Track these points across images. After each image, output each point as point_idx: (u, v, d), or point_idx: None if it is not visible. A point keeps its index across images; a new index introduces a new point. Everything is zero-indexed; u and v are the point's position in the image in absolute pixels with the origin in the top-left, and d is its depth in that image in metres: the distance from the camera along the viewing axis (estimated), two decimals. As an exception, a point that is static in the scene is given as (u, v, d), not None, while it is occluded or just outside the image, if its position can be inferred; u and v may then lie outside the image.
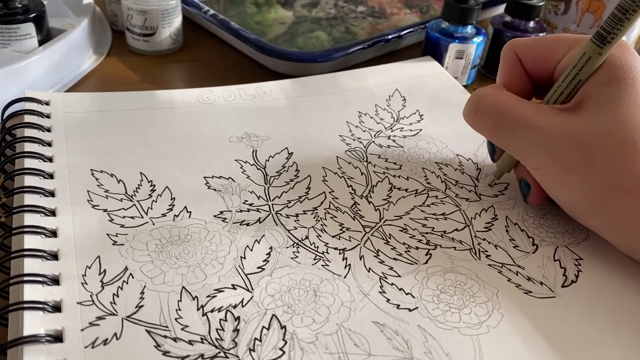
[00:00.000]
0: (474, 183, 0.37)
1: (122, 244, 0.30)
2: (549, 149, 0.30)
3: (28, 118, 0.37)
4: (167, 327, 0.26)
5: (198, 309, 0.27)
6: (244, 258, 0.30)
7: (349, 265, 0.30)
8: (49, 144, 0.35)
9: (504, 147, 0.33)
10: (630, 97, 0.29)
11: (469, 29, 0.49)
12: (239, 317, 0.27)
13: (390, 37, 0.51)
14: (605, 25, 0.29)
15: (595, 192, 0.29)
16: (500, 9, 0.60)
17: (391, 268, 0.30)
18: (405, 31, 0.52)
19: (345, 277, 0.29)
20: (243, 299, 0.28)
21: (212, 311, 0.27)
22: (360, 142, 0.40)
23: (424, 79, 0.47)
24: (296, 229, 0.32)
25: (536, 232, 0.34)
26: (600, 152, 0.28)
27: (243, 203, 0.33)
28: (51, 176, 0.33)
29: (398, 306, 0.28)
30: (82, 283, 0.27)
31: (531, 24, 0.50)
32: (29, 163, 0.33)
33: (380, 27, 0.58)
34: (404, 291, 0.29)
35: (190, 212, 0.32)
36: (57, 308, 0.26)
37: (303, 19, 0.58)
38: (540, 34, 0.50)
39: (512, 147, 0.32)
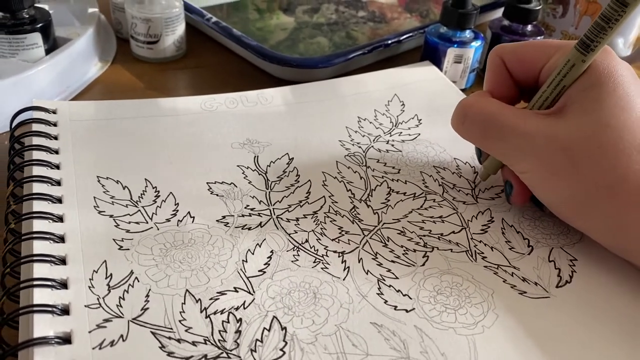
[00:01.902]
0: (471, 186, 0.38)
1: (128, 249, 0.31)
2: (534, 154, 0.31)
3: (36, 127, 0.38)
4: (171, 328, 0.27)
5: (201, 311, 0.28)
6: (246, 261, 0.31)
7: (348, 267, 0.31)
8: (56, 152, 0.36)
9: (492, 153, 0.34)
10: (611, 100, 0.29)
11: (467, 34, 0.49)
12: (240, 319, 0.28)
13: (389, 42, 0.52)
14: (589, 34, 0.29)
15: (580, 194, 0.30)
16: (498, 13, 0.60)
17: (389, 270, 0.31)
18: (405, 36, 0.53)
19: (344, 280, 0.30)
20: (245, 302, 0.29)
21: (214, 313, 0.28)
22: (360, 147, 0.40)
23: (423, 84, 0.48)
24: (296, 232, 0.33)
25: (532, 233, 0.34)
26: (583, 155, 0.29)
27: (245, 208, 0.34)
28: (59, 183, 0.34)
29: (395, 307, 0.29)
30: (89, 287, 0.28)
31: (529, 27, 0.51)
32: (37, 171, 0.34)
33: (380, 31, 0.59)
34: (402, 293, 0.30)
35: (193, 217, 0.33)
36: (65, 311, 0.27)
37: (304, 25, 0.59)
38: (538, 38, 0.51)
39: (500, 153, 0.33)
